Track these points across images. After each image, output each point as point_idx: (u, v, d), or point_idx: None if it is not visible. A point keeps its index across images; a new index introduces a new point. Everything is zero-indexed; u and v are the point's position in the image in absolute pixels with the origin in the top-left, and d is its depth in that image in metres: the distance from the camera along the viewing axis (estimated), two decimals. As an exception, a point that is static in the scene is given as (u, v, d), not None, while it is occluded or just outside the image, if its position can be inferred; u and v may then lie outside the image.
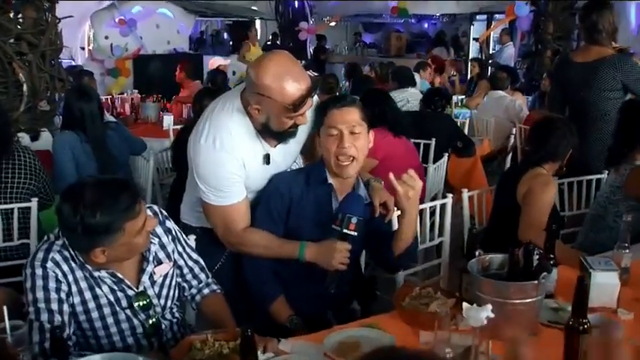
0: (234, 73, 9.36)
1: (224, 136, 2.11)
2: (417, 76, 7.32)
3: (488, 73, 8.34)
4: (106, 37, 10.45)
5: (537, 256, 1.95)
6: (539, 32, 8.50)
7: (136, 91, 7.88)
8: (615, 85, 3.68)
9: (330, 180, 2.25)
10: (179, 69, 7.04)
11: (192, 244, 2.27)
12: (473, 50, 12.84)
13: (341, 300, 2.39)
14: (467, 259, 2.05)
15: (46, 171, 3.30)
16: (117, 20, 10.24)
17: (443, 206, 3.00)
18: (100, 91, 9.29)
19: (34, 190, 3.13)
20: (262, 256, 2.22)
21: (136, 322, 1.88)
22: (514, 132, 5.59)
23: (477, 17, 12.82)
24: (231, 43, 14.98)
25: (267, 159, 2.23)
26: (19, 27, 4.84)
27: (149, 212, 1.93)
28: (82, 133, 3.55)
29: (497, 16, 11.60)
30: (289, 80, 1.99)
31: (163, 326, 1.95)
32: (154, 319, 1.90)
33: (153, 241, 1.92)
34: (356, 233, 2.07)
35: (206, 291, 2.09)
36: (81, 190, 1.67)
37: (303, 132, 2.31)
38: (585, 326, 1.61)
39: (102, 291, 1.81)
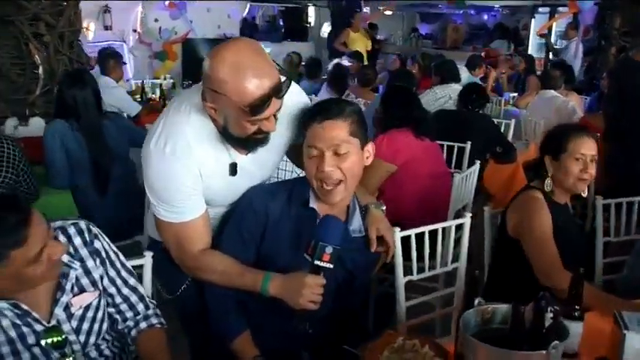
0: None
1: (178, 140, 1.74)
2: (464, 72, 6.81)
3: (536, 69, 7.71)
4: (156, 20, 10.46)
5: (551, 314, 1.51)
6: (605, 27, 7.79)
7: (169, 76, 7.65)
8: None
9: (313, 204, 1.86)
10: None
11: (148, 262, 1.94)
12: (533, 44, 12.09)
13: (321, 339, 2.00)
14: (465, 307, 1.63)
15: (28, 163, 3.03)
16: (167, 3, 10.13)
17: (461, 226, 2.56)
18: (147, 74, 9.25)
19: (10, 184, 2.86)
20: (221, 284, 1.86)
21: (46, 362, 1.55)
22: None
23: (539, 10, 12.05)
24: (283, 29, 14.66)
25: (233, 169, 1.85)
26: (38, 6, 4.63)
27: (72, 230, 1.60)
28: (75, 122, 3.28)
29: (560, 9, 10.85)
30: (248, 75, 1.60)
31: (84, 367, 1.62)
32: (69, 359, 1.57)
33: (73, 265, 1.58)
34: (331, 265, 1.68)
35: (143, 325, 1.75)
36: None
37: (281, 137, 1.92)
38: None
39: (0, 327, 1.48)
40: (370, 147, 1.87)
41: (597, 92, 6.24)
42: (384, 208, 2.01)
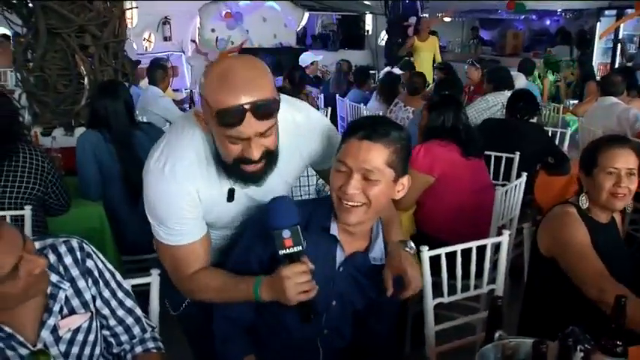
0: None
1: (177, 162, 1.64)
2: (522, 78, 6.54)
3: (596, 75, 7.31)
4: (213, 30, 10.69)
5: (582, 353, 1.33)
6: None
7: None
8: None
9: (334, 230, 1.71)
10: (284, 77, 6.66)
11: (155, 280, 1.87)
12: (598, 49, 11.54)
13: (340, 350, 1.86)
14: (485, 341, 1.46)
15: (59, 174, 3.02)
16: (224, 13, 10.29)
17: (498, 245, 2.37)
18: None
19: (39, 195, 2.86)
20: (221, 301, 1.75)
21: (32, 388, 1.47)
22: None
23: (605, 12, 11.49)
24: (340, 38, 14.59)
25: (230, 195, 1.73)
26: (84, 18, 4.69)
27: (62, 248, 1.53)
28: (108, 133, 3.26)
29: (628, 10, 10.30)
30: (228, 83, 1.48)
31: (74, 393, 1.53)
32: (58, 385, 1.49)
33: (62, 285, 1.50)
34: (299, 247, 1.56)
35: (138, 349, 1.66)
36: None
37: (288, 163, 1.77)
38: None
39: None
40: (406, 180, 1.69)
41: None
42: (414, 249, 1.79)
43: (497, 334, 1.43)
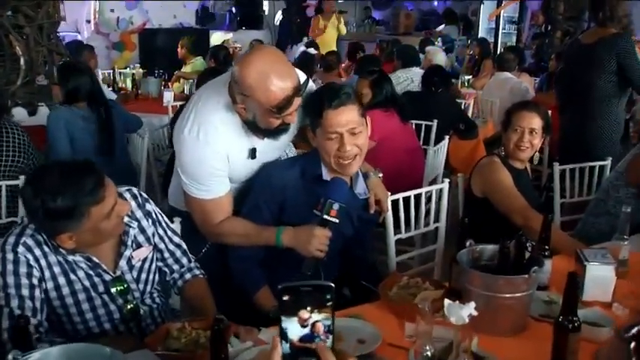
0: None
1: (209, 129, 2.03)
2: (440, 54, 7.14)
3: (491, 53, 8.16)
4: (112, 10, 10.45)
5: (529, 248, 1.87)
6: (550, 12, 8.31)
7: (138, 65, 7.76)
8: (612, 67, 3.59)
9: (327, 176, 2.15)
10: (180, 45, 6.93)
11: (177, 227, 2.22)
12: (482, 30, 12.59)
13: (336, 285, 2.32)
14: (458, 249, 1.98)
15: (36, 148, 3.24)
16: (123, -6, 10.13)
17: (440, 191, 2.92)
18: (104, 65, 9.28)
19: (22, 168, 3.09)
20: (242, 245, 2.16)
21: (113, 307, 1.82)
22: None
23: (487, -4, 12.54)
24: (238, 18, 14.77)
25: (252, 153, 2.15)
26: (16, -1, 4.76)
27: (127, 195, 1.87)
28: (88, 107, 3.50)
29: (507, -4, 11.36)
30: (273, 80, 1.89)
31: (142, 311, 1.90)
32: (132, 305, 1.85)
33: (132, 224, 1.86)
34: (337, 220, 2.00)
35: (188, 276, 2.04)
36: (43, 173, 1.61)
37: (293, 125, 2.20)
38: (575, 324, 1.54)
39: (77, 276, 1.75)
40: (368, 121, 2.18)
41: (546, 73, 6.71)
42: (381, 175, 2.35)
43: (468, 243, 1.95)
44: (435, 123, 4.45)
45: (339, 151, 2.06)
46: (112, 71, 7.14)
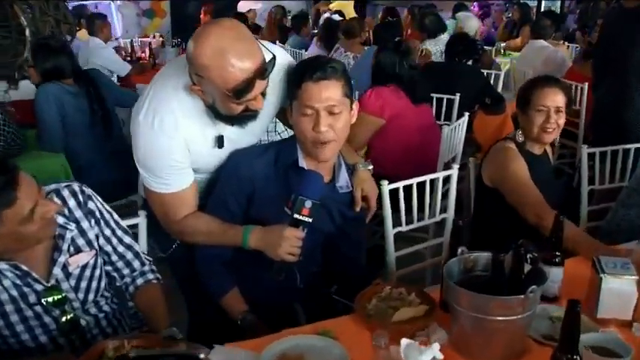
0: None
1: (165, 116, 1.75)
2: (474, 20, 6.74)
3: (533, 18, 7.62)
4: (143, -23, 10.24)
5: (530, 260, 1.58)
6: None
7: (158, 34, 7.56)
8: None
9: (303, 162, 1.87)
10: (203, 12, 6.67)
11: (142, 221, 1.99)
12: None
13: (313, 292, 2.07)
14: (450, 256, 1.70)
15: (14, 124, 3.08)
16: (153, -41, 9.98)
17: (448, 178, 2.62)
18: (135, 32, 9.15)
19: (2, 145, 2.92)
20: (207, 244, 1.91)
21: (47, 319, 1.62)
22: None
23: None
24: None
25: (220, 141, 1.87)
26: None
27: (65, 192, 1.65)
28: (75, 83, 3.32)
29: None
30: (230, 59, 1.59)
31: (84, 322, 1.69)
32: (70, 316, 1.64)
33: (68, 226, 1.63)
34: (310, 220, 1.73)
35: (140, 281, 1.81)
36: None
37: (268, 103, 1.88)
38: (574, 364, 1.26)
39: (2, 285, 1.55)
40: (355, 106, 1.89)
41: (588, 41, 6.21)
42: (371, 167, 2.05)
43: (459, 250, 1.66)
44: (457, 97, 4.09)
45: (313, 130, 1.78)
46: (130, 40, 6.94)
